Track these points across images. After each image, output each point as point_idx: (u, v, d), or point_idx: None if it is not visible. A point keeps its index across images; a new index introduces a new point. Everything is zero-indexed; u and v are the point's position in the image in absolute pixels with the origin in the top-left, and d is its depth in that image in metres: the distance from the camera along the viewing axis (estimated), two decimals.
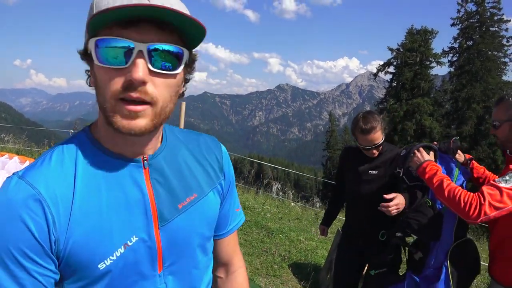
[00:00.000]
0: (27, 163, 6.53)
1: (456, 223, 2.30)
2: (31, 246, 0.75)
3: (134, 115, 0.76)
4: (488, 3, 29.62)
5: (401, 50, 30.67)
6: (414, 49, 29.78)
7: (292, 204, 10.18)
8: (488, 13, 29.67)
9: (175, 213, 0.91)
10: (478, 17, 29.89)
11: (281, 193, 16.11)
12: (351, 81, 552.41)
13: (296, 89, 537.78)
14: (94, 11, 0.74)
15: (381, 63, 32.85)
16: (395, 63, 31.40)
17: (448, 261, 2.25)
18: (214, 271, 1.17)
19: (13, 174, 0.81)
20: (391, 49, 31.34)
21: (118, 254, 0.83)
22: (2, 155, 6.91)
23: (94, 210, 0.81)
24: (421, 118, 28.44)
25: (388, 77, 32.67)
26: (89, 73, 0.84)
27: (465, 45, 30.28)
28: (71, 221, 0.79)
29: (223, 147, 1.09)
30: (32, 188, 0.77)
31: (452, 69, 31.16)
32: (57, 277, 0.81)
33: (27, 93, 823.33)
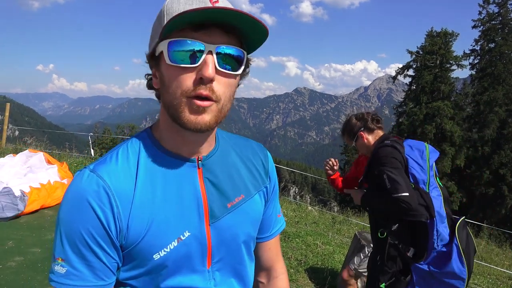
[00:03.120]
0: (49, 167, 6.65)
1: (442, 199, 2.37)
2: (99, 232, 0.84)
3: (202, 110, 0.82)
4: (511, 4, 29.03)
5: (421, 52, 30.25)
6: (434, 51, 29.34)
7: (309, 208, 10.12)
8: (511, 15, 29.06)
9: (224, 211, 0.97)
10: (500, 18, 29.31)
11: (298, 197, 16.05)
12: (370, 85, 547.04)
13: (314, 92, 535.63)
14: (165, 17, 0.83)
15: (400, 66, 32.50)
16: (414, 66, 31.00)
17: (457, 239, 2.26)
18: (256, 275, 1.20)
19: (85, 167, 0.90)
20: (410, 52, 30.94)
21: (172, 247, 0.89)
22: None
23: (152, 204, 0.89)
24: (441, 121, 27.94)
25: (407, 80, 32.30)
26: (149, 76, 0.93)
27: (487, 47, 29.73)
28: (131, 212, 0.86)
29: (268, 153, 1.15)
30: (102, 181, 0.85)
31: (473, 72, 30.61)
32: (121, 263, 0.90)
33: (49, 97, 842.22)
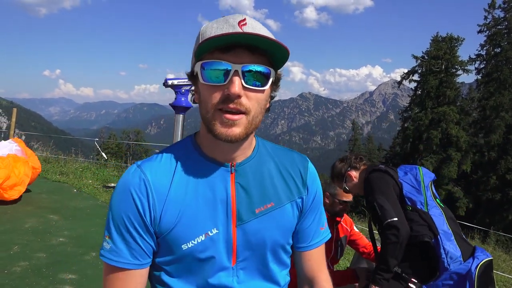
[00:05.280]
0: (16, 145, 6.69)
1: (445, 218, 2.33)
2: (136, 218, 0.98)
3: (231, 123, 0.92)
4: None
5: (426, 57, 30.26)
6: (439, 56, 29.34)
7: None
8: None
9: (251, 216, 1.04)
10: (506, 23, 29.25)
11: None
12: (375, 90, 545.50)
13: (319, 97, 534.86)
14: (200, 41, 0.92)
15: (405, 71, 32.54)
16: (419, 71, 30.99)
17: (476, 275, 2.16)
18: (300, 286, 1.27)
19: (135, 163, 1.06)
20: (415, 57, 30.96)
21: (199, 240, 0.99)
22: None
23: (185, 200, 1.00)
24: (447, 126, 27.87)
25: (413, 85, 32.29)
26: (193, 92, 1.03)
27: (492, 52, 29.65)
28: (165, 205, 0.99)
29: (310, 165, 1.19)
30: (143, 175, 1.00)
31: (479, 77, 30.53)
32: (156, 248, 1.03)
33: (55, 103, 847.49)
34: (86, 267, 4.19)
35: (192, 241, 0.99)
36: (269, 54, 0.94)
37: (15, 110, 11.50)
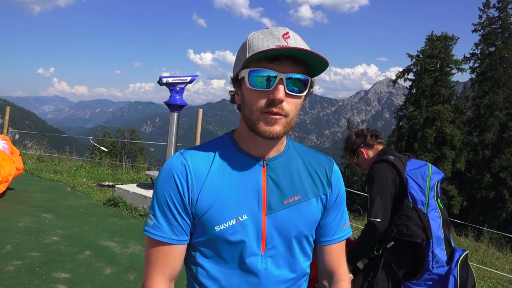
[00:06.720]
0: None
1: (441, 221, 2.36)
2: (176, 198, 1.10)
3: (274, 122, 1.04)
4: (511, 8, 29.09)
5: (421, 56, 30.32)
6: (434, 55, 29.41)
7: None
8: (511, 19, 29.12)
9: (280, 206, 1.15)
10: (500, 22, 29.41)
11: None
12: (370, 88, 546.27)
13: (314, 96, 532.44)
14: (248, 51, 1.06)
15: (400, 69, 32.54)
16: (414, 70, 31.05)
17: (458, 273, 2.23)
18: (320, 279, 1.36)
19: (178, 150, 1.18)
20: (410, 56, 31.01)
21: (230, 224, 1.10)
22: None
23: (220, 186, 1.11)
24: (441, 125, 27.96)
25: (408, 84, 32.35)
26: (232, 93, 1.17)
27: (487, 51, 29.80)
28: (202, 188, 1.10)
29: (335, 166, 1.30)
30: (185, 161, 1.12)
31: (473, 76, 30.66)
32: (192, 228, 1.14)
33: (50, 101, 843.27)
34: (79, 266, 4.17)
35: (224, 224, 1.09)
36: (309, 64, 1.05)
37: (8, 108, 11.42)
